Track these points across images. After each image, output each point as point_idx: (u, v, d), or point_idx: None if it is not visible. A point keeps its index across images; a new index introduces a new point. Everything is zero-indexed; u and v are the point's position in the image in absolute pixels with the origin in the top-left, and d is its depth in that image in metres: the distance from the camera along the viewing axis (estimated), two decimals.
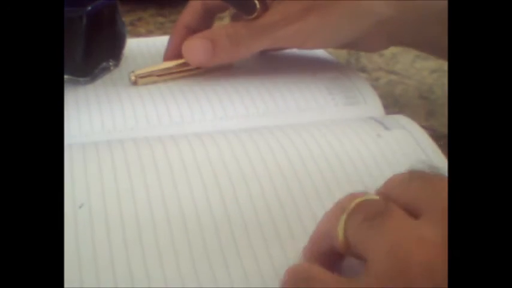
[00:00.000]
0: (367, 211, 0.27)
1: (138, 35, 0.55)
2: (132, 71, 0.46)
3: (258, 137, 0.39)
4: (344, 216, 0.27)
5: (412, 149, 0.39)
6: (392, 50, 0.56)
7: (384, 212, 0.26)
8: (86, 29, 0.45)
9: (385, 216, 0.26)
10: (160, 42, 0.53)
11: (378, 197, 0.28)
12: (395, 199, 0.28)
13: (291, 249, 0.31)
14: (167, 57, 0.48)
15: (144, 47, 0.53)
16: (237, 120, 0.43)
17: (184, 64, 0.47)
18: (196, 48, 0.45)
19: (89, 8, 0.45)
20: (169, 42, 0.49)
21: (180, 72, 0.47)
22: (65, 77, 0.46)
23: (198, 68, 0.47)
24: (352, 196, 0.28)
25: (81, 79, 0.46)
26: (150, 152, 0.37)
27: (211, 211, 0.33)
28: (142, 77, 0.46)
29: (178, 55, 0.47)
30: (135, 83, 0.46)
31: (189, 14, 0.49)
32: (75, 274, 0.29)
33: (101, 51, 0.48)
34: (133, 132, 0.41)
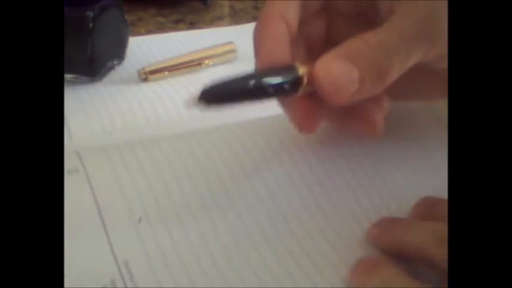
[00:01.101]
0: None
1: (138, 34, 0.55)
2: (142, 68, 0.47)
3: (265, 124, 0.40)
4: None
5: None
6: None
7: None
8: (93, 28, 0.45)
9: None
10: (158, 39, 0.54)
11: None
12: None
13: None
14: (263, 60, 0.32)
15: (143, 45, 0.53)
16: (254, 110, 0.43)
17: (193, 60, 0.48)
18: (341, 77, 0.30)
19: (96, 6, 0.46)
20: (262, 39, 0.33)
21: (189, 66, 0.48)
22: (74, 76, 0.46)
23: (205, 62, 0.48)
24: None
25: (90, 78, 0.47)
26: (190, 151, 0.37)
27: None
28: (153, 73, 0.47)
29: (275, 57, 0.32)
30: (145, 80, 0.47)
31: (284, 3, 0.34)
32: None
33: (108, 50, 0.48)
34: (157, 128, 0.41)
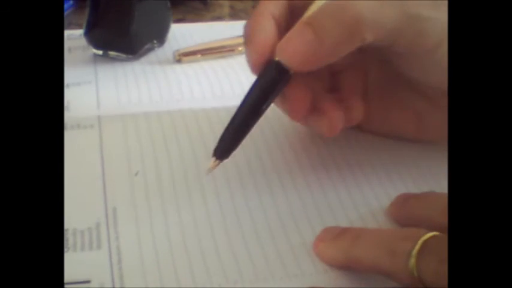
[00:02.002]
0: (440, 251, 0.27)
1: None
2: (177, 50, 0.50)
3: None
4: (413, 260, 0.27)
5: None
6: None
7: None
8: (135, 10, 0.48)
9: None
10: (201, 27, 0.57)
11: (433, 233, 0.28)
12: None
13: None
14: (254, 51, 0.34)
15: (186, 31, 0.56)
16: None
17: (226, 46, 0.50)
18: (293, 44, 0.32)
19: None
20: (253, 33, 0.35)
21: (220, 52, 0.50)
22: (114, 53, 0.50)
23: (238, 49, 0.50)
24: (406, 234, 0.29)
25: (130, 56, 0.50)
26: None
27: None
28: (187, 55, 0.49)
29: (264, 49, 0.34)
30: (179, 61, 0.49)
31: (273, 4, 0.36)
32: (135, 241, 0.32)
33: (148, 32, 0.51)
34: (179, 103, 0.44)
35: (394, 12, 0.32)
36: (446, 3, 0.31)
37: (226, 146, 0.33)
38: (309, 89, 0.35)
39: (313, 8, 0.34)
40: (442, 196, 0.32)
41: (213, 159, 0.33)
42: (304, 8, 0.35)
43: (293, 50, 0.32)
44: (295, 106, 0.35)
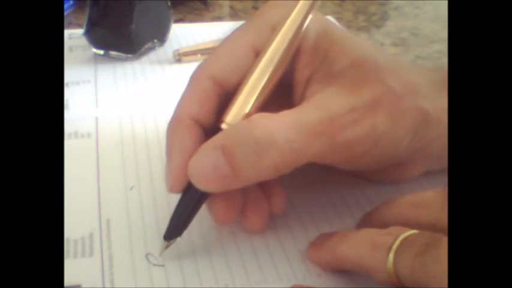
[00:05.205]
0: (416, 245, 0.27)
1: None
2: (177, 50, 0.50)
3: None
4: (392, 255, 0.27)
5: None
6: (392, 50, 0.56)
7: (433, 242, 0.26)
8: (135, 11, 0.48)
9: (436, 245, 0.26)
10: (203, 27, 0.57)
11: (415, 231, 0.28)
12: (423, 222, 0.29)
13: None
14: (172, 186, 0.31)
15: (187, 31, 0.56)
16: None
17: None
18: (202, 169, 0.30)
19: None
20: (173, 149, 0.32)
21: None
22: (114, 53, 0.50)
23: None
24: (390, 231, 0.29)
25: (129, 56, 0.50)
26: None
27: None
28: (186, 55, 0.50)
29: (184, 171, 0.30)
30: (178, 61, 0.50)
31: (197, 100, 0.32)
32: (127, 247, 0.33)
33: (148, 32, 0.51)
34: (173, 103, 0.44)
35: (319, 145, 0.30)
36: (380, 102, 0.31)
37: (176, 228, 0.31)
38: (234, 202, 0.31)
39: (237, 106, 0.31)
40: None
41: (165, 242, 0.31)
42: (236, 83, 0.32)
43: (205, 178, 0.29)
44: (219, 218, 0.32)
